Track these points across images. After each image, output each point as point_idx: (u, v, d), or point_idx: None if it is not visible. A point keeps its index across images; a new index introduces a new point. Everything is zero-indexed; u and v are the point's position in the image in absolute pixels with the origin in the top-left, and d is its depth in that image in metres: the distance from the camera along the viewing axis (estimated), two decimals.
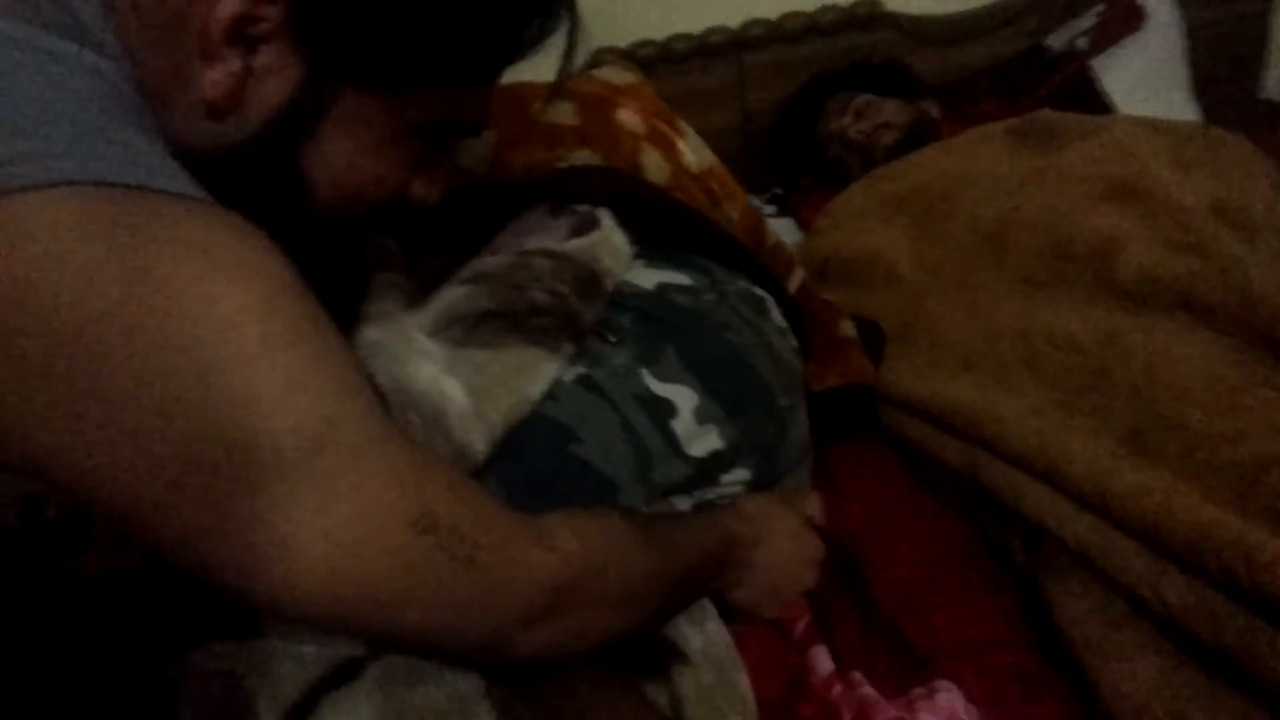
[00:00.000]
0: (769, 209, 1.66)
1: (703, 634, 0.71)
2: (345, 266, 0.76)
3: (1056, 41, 1.75)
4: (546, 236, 0.83)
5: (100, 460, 0.43)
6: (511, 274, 0.77)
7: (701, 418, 0.78)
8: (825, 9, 1.73)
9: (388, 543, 0.48)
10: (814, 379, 1.04)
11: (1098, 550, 0.75)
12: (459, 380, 0.68)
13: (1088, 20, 1.73)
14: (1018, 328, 0.98)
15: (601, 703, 0.58)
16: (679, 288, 0.85)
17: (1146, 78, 1.67)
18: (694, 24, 1.69)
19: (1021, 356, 0.95)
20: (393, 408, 0.62)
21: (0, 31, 0.47)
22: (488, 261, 0.80)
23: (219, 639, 0.52)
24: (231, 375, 0.44)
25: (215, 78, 0.53)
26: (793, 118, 1.69)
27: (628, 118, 1.00)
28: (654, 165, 0.97)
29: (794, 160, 1.69)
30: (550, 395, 0.72)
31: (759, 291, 0.94)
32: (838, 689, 0.73)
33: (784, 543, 0.79)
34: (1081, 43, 1.71)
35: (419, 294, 0.79)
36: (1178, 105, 1.68)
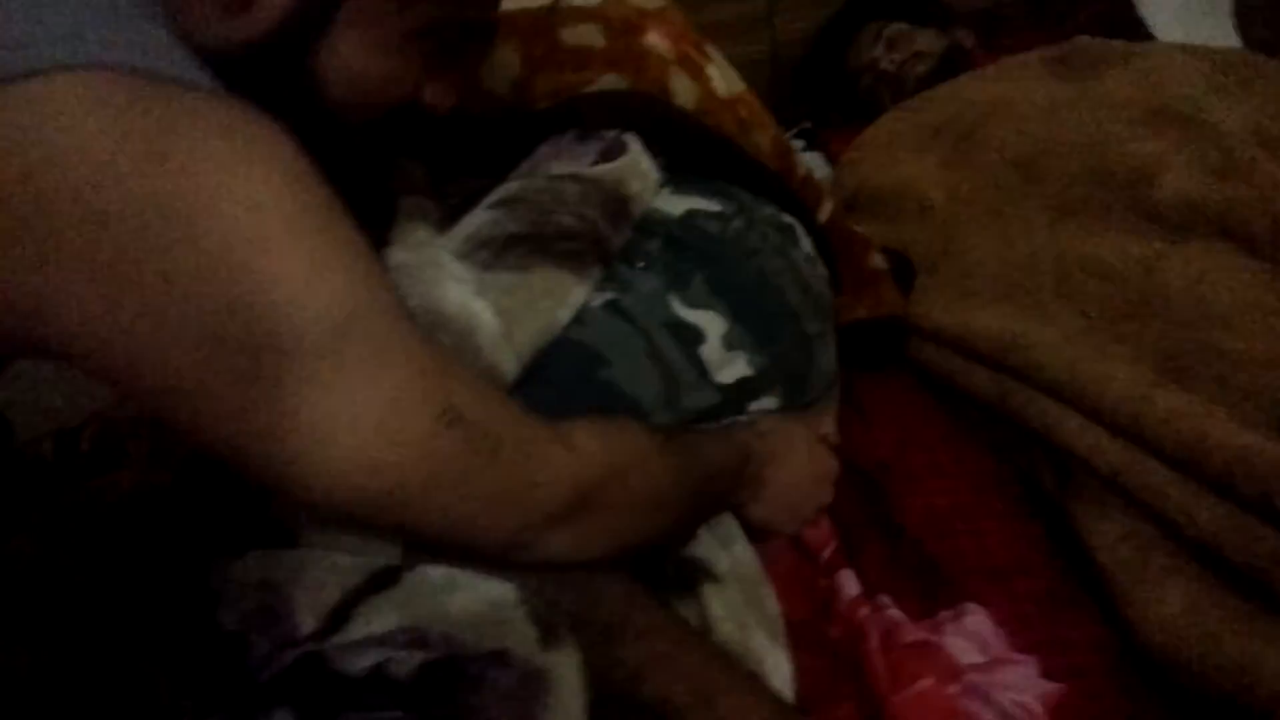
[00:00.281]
0: (798, 143, 1.63)
1: (731, 555, 0.71)
2: (373, 190, 0.76)
3: None
4: (574, 161, 0.82)
5: (130, 343, 0.43)
6: (539, 198, 0.77)
7: (730, 344, 0.78)
8: None
9: (414, 433, 0.49)
10: (843, 311, 1.03)
11: (1131, 475, 0.75)
12: (488, 302, 0.68)
13: None
14: (1052, 255, 0.97)
15: (633, 614, 0.59)
16: (708, 214, 0.84)
17: (1187, 4, 1.61)
18: None
19: (1055, 284, 0.94)
20: (422, 329, 0.62)
21: None
22: (515, 186, 0.79)
23: (256, 549, 0.53)
24: (254, 259, 0.44)
25: None
26: (824, 48, 1.66)
27: (656, 41, 0.98)
28: (682, 90, 0.95)
29: (825, 92, 1.66)
30: (578, 320, 0.72)
31: (788, 219, 0.93)
32: (864, 611, 0.74)
33: (799, 459, 0.79)
34: None
35: (446, 219, 0.78)
36: (1219, 33, 1.62)
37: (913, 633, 0.71)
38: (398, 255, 0.69)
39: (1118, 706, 0.68)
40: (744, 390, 0.79)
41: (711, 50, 1.07)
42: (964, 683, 0.67)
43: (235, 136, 0.46)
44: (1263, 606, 0.66)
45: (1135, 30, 1.55)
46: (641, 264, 0.78)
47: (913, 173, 1.25)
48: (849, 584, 0.76)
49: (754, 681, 0.63)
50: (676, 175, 0.86)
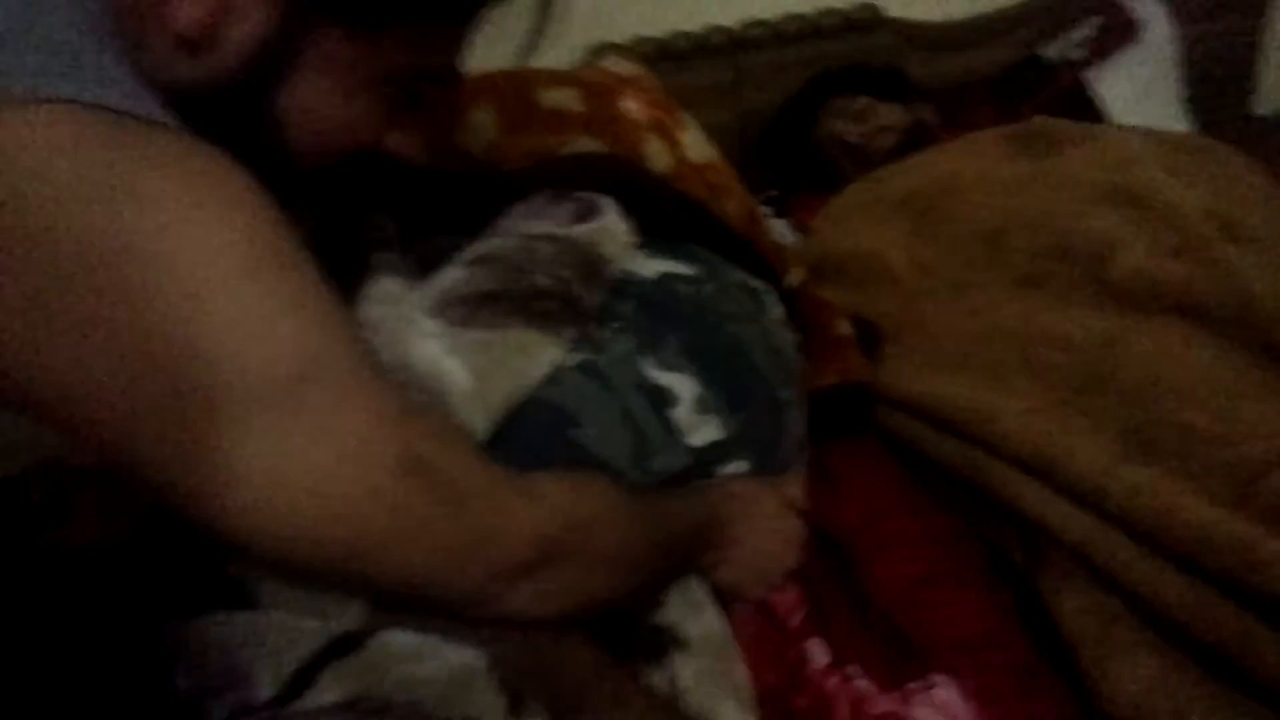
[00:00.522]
0: (766, 210, 1.65)
1: (701, 621, 0.70)
2: (343, 241, 0.75)
3: (1052, 52, 1.76)
4: (549, 221, 0.82)
5: (78, 377, 0.42)
6: (514, 257, 0.77)
7: (702, 408, 0.78)
8: (825, 12, 1.73)
9: (373, 482, 0.47)
10: (811, 376, 1.03)
11: (1097, 549, 0.75)
12: (460, 360, 0.67)
13: (1083, 31, 1.75)
14: (1014, 328, 0.98)
15: (601, 683, 0.57)
16: (681, 277, 0.84)
17: (1141, 90, 1.68)
18: (694, 23, 1.69)
19: (1019, 357, 0.95)
20: None
21: None
22: (490, 244, 0.79)
23: (216, 609, 0.51)
24: (206, 303, 0.43)
25: (190, 11, 0.52)
26: (790, 118, 1.69)
27: (631, 106, 1.00)
28: (657, 155, 0.97)
29: (790, 162, 1.69)
30: (551, 380, 0.71)
31: (758, 284, 0.94)
32: (833, 681, 0.73)
33: (767, 521, 0.79)
34: (1077, 54, 1.72)
35: (417, 274, 0.78)
36: (1171, 118, 1.69)
37: (882, 704, 0.70)
38: (370, 310, 0.69)
39: None
40: (715, 453, 0.79)
41: (685, 116, 1.09)
42: None
43: (195, 177, 0.45)
44: (1230, 684, 0.66)
45: (1091, 112, 1.61)
46: (615, 325, 0.78)
47: (877, 243, 1.26)
48: (818, 653, 0.75)
49: None
50: (650, 239, 0.87)
